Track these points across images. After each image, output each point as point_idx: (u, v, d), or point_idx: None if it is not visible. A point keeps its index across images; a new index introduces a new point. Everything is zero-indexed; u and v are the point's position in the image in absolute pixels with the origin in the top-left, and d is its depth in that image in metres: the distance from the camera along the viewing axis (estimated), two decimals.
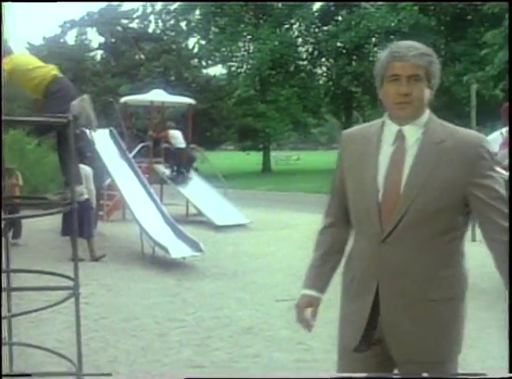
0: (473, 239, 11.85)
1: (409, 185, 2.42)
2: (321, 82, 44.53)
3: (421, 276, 2.45)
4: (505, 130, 9.73)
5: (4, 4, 3.74)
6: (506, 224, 2.39)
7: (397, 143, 2.49)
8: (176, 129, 17.12)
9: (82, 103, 4.85)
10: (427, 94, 2.46)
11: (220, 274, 9.12)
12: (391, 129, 2.51)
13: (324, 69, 44.73)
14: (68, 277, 4.09)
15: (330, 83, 43.40)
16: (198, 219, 15.02)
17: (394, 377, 2.62)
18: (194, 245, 9.97)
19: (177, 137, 16.64)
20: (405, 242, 2.44)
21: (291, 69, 43.02)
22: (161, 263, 9.84)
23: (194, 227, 13.35)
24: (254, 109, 39.60)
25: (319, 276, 2.70)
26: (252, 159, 46.52)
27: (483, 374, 2.41)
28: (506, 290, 2.42)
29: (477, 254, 10.19)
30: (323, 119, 47.53)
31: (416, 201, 2.40)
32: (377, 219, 2.46)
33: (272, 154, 48.60)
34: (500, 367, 4.83)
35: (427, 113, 2.51)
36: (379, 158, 2.50)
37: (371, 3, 38.00)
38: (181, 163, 16.18)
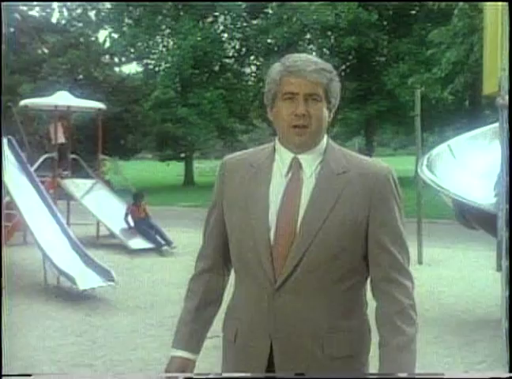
0: (420, 262, 12.13)
1: (307, 222, 2.35)
2: (250, 83, 44.78)
3: (321, 330, 2.37)
4: (452, 142, 9.98)
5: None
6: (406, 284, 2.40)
7: (292, 173, 2.42)
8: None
9: None
10: (327, 116, 2.42)
11: (134, 307, 9.05)
12: (284, 156, 2.44)
13: (253, 68, 45.05)
14: None
15: (260, 84, 43.60)
16: (110, 242, 14.87)
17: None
18: (105, 274, 9.87)
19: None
20: (303, 290, 2.36)
21: (216, 68, 43.16)
22: (67, 295, 9.69)
23: (106, 252, 13.23)
24: (174, 113, 39.46)
25: (192, 334, 2.57)
26: (172, 171, 46.33)
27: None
28: None
29: (424, 279, 10.41)
30: (252, 125, 47.72)
31: (315, 241, 2.33)
32: (268, 264, 2.37)
33: (196, 164, 48.52)
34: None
35: (326, 139, 2.47)
36: (270, 190, 2.42)
37: None
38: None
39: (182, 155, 43.07)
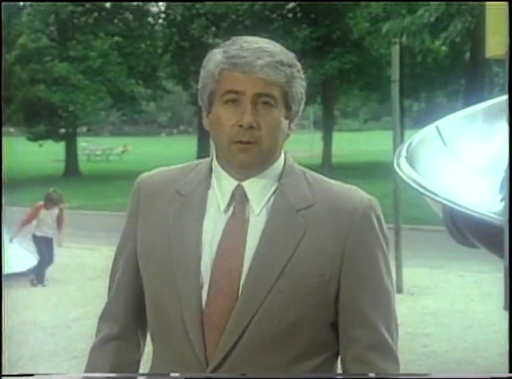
0: (399, 289, 12.18)
1: (253, 279, 2.30)
2: (157, 28, 44.67)
3: None
4: (442, 124, 10.12)
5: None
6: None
7: (234, 208, 2.36)
8: None
9: None
10: (285, 128, 2.37)
11: None
12: (223, 183, 2.39)
13: (162, 6, 44.86)
14: None
15: (173, 29, 43.48)
16: None
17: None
18: None
19: None
20: (246, 375, 2.31)
21: (108, 5, 42.77)
22: None
23: None
24: (49, 70, 39.04)
25: None
26: (48, 154, 45.95)
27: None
28: None
29: (405, 314, 10.51)
30: (161, 88, 47.59)
31: (264, 307, 2.28)
32: (198, 338, 2.32)
33: (82, 144, 48.22)
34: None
35: (283, 158, 2.43)
36: (203, 231, 2.36)
37: None
38: None
39: (62, 130, 42.59)
